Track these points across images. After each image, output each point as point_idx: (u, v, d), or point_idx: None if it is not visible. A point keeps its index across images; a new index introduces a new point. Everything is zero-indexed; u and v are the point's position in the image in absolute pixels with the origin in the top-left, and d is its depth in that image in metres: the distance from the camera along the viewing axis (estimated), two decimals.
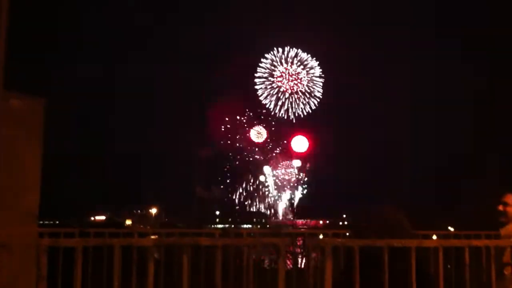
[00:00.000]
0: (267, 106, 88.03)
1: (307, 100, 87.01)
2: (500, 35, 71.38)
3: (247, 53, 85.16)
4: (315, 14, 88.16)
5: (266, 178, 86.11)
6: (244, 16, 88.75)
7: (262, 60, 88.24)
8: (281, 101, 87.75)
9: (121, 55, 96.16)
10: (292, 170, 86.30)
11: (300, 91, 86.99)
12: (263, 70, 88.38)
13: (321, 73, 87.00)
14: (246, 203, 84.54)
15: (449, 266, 5.51)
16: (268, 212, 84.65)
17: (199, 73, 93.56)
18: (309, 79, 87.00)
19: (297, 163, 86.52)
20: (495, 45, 73.77)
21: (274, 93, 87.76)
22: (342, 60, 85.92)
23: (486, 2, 77.95)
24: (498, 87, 66.88)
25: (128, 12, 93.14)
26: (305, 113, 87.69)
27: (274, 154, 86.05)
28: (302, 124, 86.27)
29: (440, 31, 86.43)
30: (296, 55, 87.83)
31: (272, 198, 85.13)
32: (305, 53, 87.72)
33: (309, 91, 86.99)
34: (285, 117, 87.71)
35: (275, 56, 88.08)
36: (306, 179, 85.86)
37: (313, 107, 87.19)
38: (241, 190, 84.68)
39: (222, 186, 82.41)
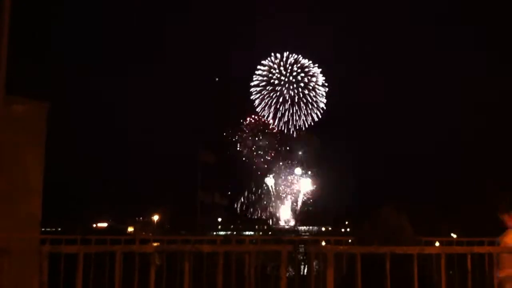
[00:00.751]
0: (265, 117, 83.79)
1: (309, 111, 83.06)
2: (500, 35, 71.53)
3: (246, 56, 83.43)
4: (314, 14, 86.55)
5: (268, 185, 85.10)
6: (243, 17, 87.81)
7: (258, 67, 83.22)
8: (280, 113, 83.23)
9: (122, 55, 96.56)
10: (294, 177, 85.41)
11: (302, 101, 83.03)
12: (260, 78, 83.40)
13: (324, 82, 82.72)
14: (248, 210, 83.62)
15: (451, 272, 5.48)
16: (270, 221, 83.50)
17: (200, 75, 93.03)
18: (311, 87, 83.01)
19: (298, 171, 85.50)
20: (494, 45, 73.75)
21: (272, 103, 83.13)
22: (342, 62, 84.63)
23: (485, 2, 77.74)
24: (499, 87, 66.44)
25: (129, 13, 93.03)
26: (307, 126, 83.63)
27: (277, 164, 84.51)
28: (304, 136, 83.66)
29: (440, 31, 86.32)
30: (296, 61, 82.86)
31: (274, 206, 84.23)
32: (306, 60, 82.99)
33: (311, 101, 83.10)
34: (285, 130, 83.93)
35: (272, 63, 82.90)
36: (310, 186, 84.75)
37: (316, 119, 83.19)
38: (243, 199, 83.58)
39: (223, 196, 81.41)
